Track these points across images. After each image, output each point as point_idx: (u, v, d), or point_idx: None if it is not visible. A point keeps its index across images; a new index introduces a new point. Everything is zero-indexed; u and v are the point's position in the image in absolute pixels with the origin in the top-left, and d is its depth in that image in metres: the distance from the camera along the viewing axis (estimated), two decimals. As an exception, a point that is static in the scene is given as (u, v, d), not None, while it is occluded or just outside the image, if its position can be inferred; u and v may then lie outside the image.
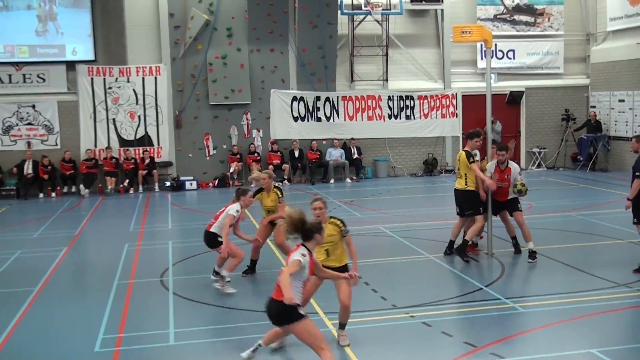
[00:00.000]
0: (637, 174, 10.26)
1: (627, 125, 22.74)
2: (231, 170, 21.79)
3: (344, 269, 7.72)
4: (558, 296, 9.29)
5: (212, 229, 10.06)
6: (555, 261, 11.10)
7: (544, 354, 7.23)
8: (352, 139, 22.80)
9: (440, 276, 10.72)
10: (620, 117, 23.12)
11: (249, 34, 21.95)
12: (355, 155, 22.79)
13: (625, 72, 22.82)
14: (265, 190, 10.66)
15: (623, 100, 22.90)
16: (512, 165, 11.45)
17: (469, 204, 11.32)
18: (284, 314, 6.27)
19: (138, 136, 21.90)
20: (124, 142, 21.78)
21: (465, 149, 11.48)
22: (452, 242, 11.73)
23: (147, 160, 21.36)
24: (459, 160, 11.40)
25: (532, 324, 8.25)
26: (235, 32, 21.97)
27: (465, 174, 11.26)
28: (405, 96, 23.10)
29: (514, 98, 24.12)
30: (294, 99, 22.35)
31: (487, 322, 8.42)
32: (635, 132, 22.20)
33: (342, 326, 7.79)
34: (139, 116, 21.83)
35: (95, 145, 21.56)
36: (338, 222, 7.78)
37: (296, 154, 22.48)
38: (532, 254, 11.13)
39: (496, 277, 10.29)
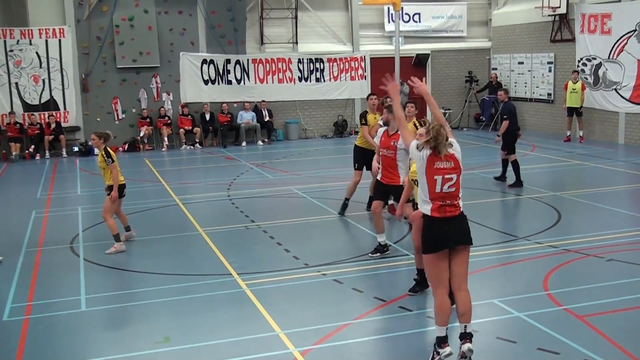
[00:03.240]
0: (504, 116, 14.09)
1: (526, 86, 23.75)
2: (141, 134, 21.50)
3: (111, 187, 10.20)
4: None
5: None
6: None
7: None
8: (263, 101, 22.86)
9: (351, 234, 11.09)
10: (519, 79, 24.10)
11: (156, -5, 21.53)
12: (267, 118, 22.87)
13: (524, 36, 23.73)
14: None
15: (522, 63, 23.86)
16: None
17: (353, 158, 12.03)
18: None
19: (43, 100, 21.17)
20: (28, 107, 21.03)
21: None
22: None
23: (53, 125, 20.76)
24: None
25: (436, 277, 8.66)
26: (141, -8, 21.50)
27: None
28: (315, 59, 23.35)
29: (420, 60, 24.69)
30: (204, 61, 22.20)
31: (396, 277, 8.79)
32: (534, 92, 23.29)
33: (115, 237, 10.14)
34: (43, 80, 21.09)
35: (-3, 111, 20.81)
36: (104, 154, 10.07)
37: (207, 117, 22.35)
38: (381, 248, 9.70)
39: (404, 234, 10.70)
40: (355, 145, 12.01)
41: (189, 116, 22.13)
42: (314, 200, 13.44)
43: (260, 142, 22.48)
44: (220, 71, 22.39)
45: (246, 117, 22.52)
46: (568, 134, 20.59)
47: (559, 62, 22.20)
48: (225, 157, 19.97)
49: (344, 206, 12.06)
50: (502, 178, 14.54)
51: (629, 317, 7.17)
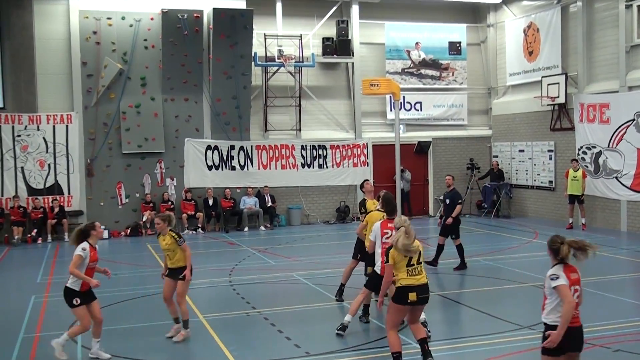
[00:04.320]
0: (459, 201, 14.28)
1: (527, 173, 23.94)
2: (144, 219, 21.55)
3: (181, 270, 9.70)
4: (466, 339, 9.64)
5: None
6: (463, 305, 11.48)
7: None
8: (266, 187, 22.99)
9: (353, 322, 10.90)
10: (520, 166, 24.32)
11: (163, 83, 22.00)
12: (269, 204, 22.96)
13: (523, 124, 24.10)
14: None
15: (523, 151, 24.13)
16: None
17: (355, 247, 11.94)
18: (66, 297, 8.83)
19: (47, 185, 21.34)
20: (32, 191, 21.18)
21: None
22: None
23: (57, 209, 20.86)
24: None
25: (440, 367, 8.41)
26: (149, 81, 21.96)
27: None
28: (318, 145, 23.62)
29: (422, 148, 25.00)
30: (208, 147, 22.45)
31: (398, 367, 8.63)
32: (535, 180, 23.44)
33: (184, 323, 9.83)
34: (49, 164, 21.33)
35: (2, 194, 20.87)
36: (174, 235, 9.70)
37: (210, 202, 22.46)
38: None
39: (407, 322, 10.53)
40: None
41: (192, 201, 22.24)
42: (315, 286, 13.33)
43: (262, 228, 22.49)
44: (224, 157, 22.62)
45: (249, 203, 22.62)
46: (570, 222, 20.59)
47: (559, 150, 22.45)
48: (227, 243, 19.94)
49: (340, 291, 12.01)
50: (434, 262, 14.26)
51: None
